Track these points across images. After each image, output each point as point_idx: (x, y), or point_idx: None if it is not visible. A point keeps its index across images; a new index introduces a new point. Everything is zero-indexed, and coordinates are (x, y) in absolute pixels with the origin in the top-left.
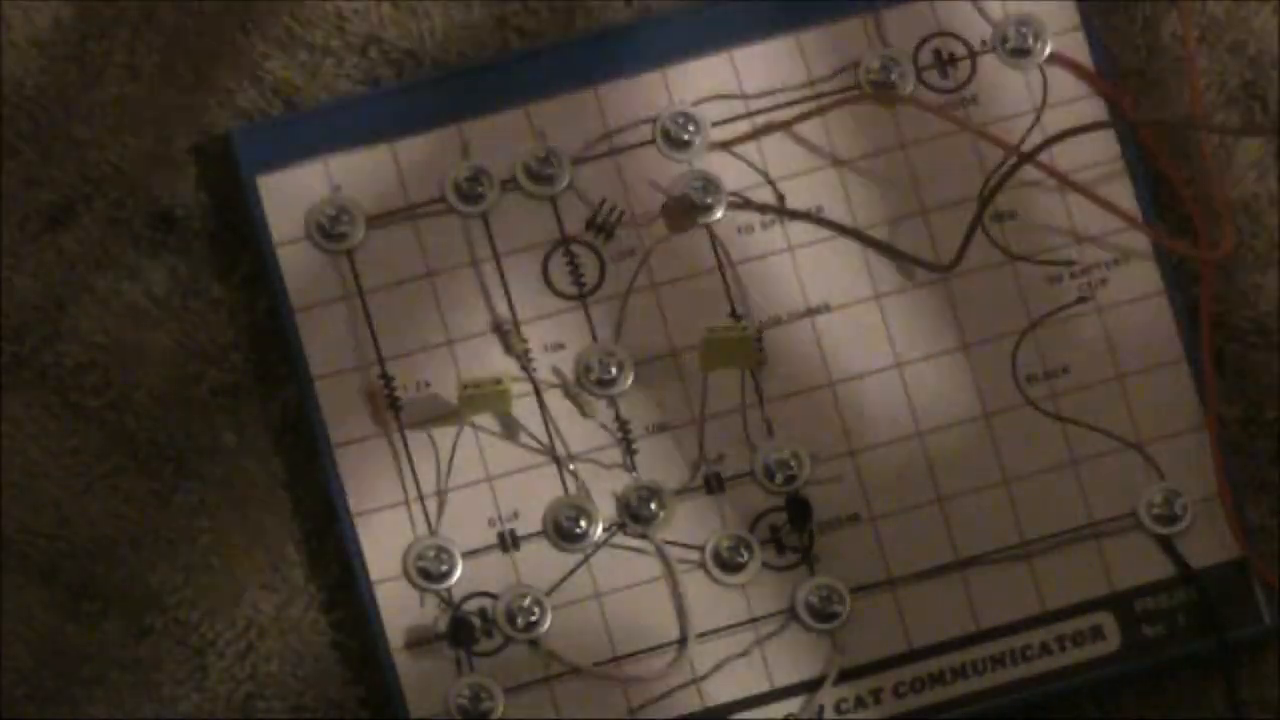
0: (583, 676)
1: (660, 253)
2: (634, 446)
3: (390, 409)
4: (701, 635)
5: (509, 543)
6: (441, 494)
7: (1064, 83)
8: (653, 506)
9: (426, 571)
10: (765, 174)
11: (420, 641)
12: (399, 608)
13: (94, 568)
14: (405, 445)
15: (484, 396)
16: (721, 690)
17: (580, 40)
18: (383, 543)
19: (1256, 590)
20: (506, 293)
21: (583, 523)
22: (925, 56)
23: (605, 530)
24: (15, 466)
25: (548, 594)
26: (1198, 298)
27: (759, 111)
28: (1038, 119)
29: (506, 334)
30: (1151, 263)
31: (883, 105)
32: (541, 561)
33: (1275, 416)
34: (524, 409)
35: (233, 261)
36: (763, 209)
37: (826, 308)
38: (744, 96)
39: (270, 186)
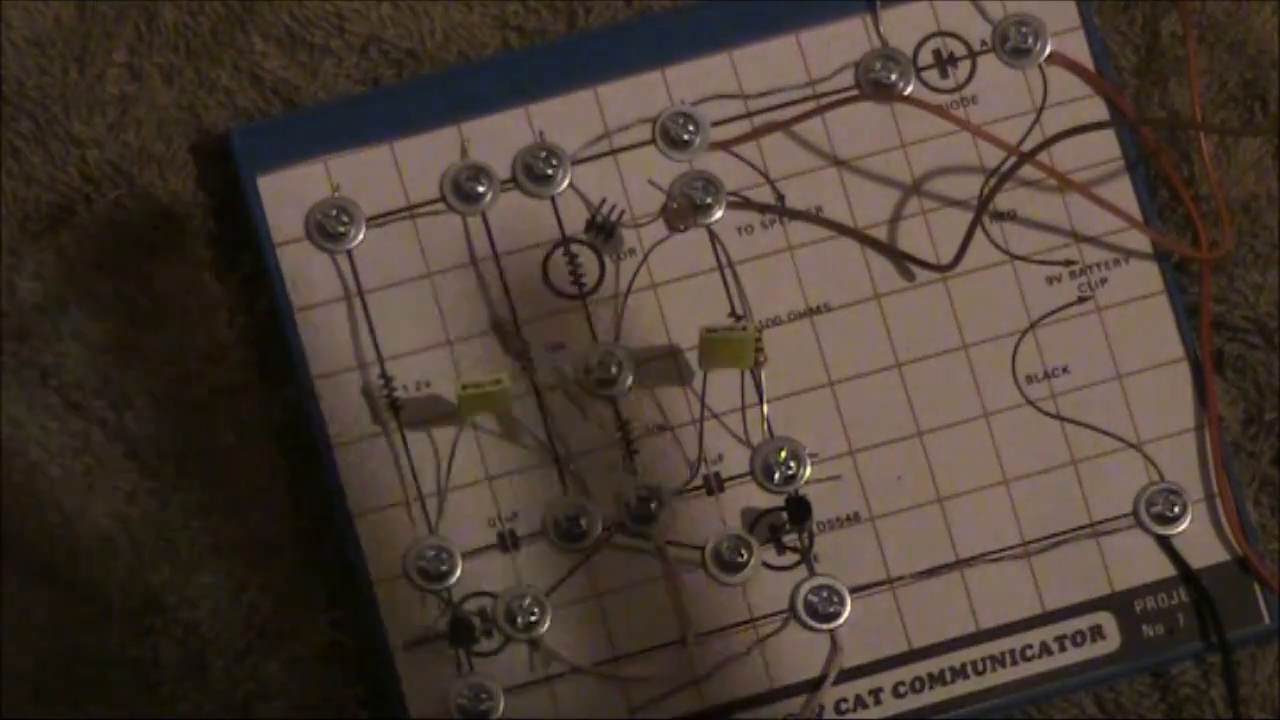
0: (583, 676)
1: (660, 253)
2: (634, 446)
3: (390, 409)
4: (701, 635)
5: (509, 543)
6: (441, 494)
7: (1064, 83)
8: (653, 506)
9: (426, 571)
10: (765, 174)
11: (420, 641)
12: (399, 608)
13: (94, 568)
14: (405, 445)
15: (484, 396)
16: (721, 690)
17: (580, 40)
18: (383, 543)
19: (1256, 590)
20: (506, 293)
21: (583, 523)
22: (925, 56)
23: (605, 530)
24: (15, 466)
25: (548, 594)
26: (1198, 298)
27: (759, 111)
28: (1038, 119)
29: (506, 334)
30: (1151, 263)
31: (882, 105)
32: (541, 561)
33: (1275, 416)
34: (524, 409)
35: (233, 261)
36: (763, 209)
37: (826, 308)
38: (744, 96)
39: (270, 186)
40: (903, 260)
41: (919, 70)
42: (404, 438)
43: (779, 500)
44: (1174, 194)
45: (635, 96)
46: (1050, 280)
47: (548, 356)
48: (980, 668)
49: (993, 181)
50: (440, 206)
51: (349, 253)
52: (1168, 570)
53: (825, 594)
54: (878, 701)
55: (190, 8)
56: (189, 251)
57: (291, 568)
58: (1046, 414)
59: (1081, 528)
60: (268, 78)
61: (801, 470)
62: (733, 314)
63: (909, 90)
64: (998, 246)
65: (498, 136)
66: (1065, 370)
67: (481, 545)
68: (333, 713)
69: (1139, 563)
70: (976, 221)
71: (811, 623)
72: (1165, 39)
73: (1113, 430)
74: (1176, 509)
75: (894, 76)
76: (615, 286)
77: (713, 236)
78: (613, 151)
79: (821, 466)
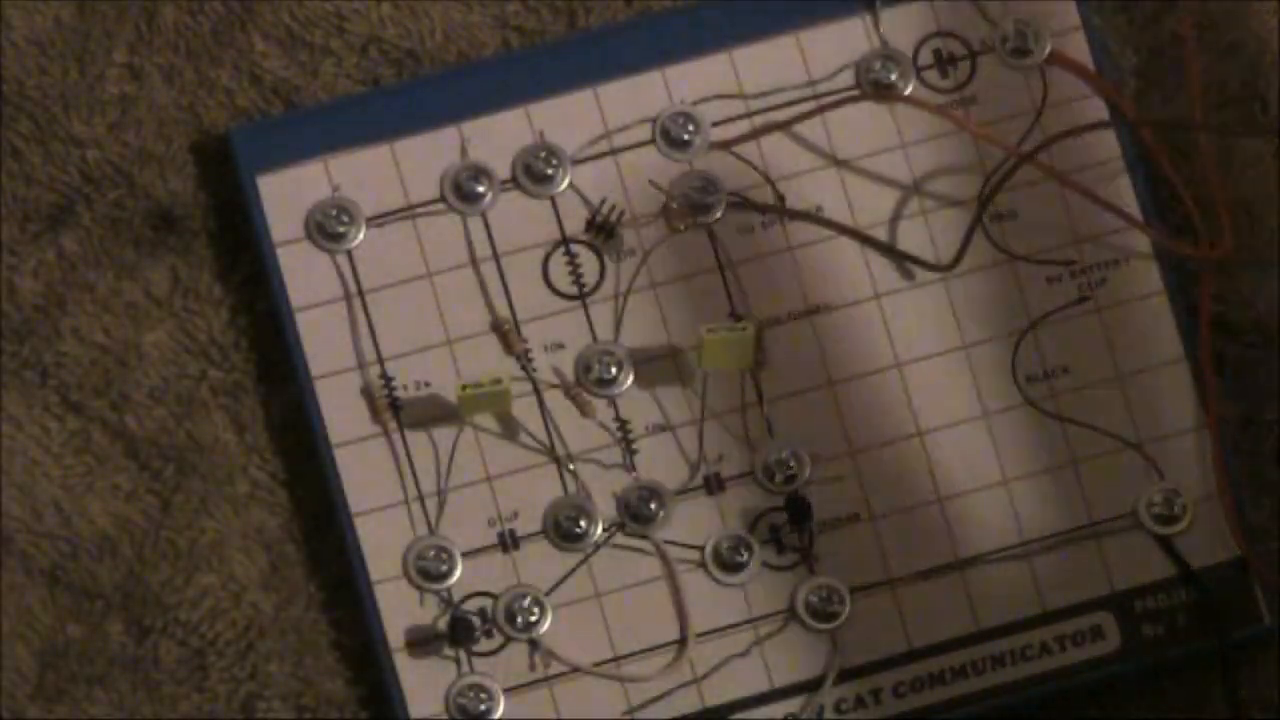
0: (583, 676)
1: (660, 253)
2: (634, 446)
3: (390, 409)
4: (701, 635)
5: (509, 543)
6: (441, 494)
7: (1064, 83)
8: (653, 506)
9: (426, 571)
10: (765, 174)
11: (420, 641)
12: (399, 608)
13: (94, 568)
14: (405, 445)
15: (484, 396)
16: (721, 690)
17: (580, 40)
18: (383, 543)
19: (1256, 590)
20: (506, 293)
21: (583, 523)
22: (925, 56)
23: (605, 530)
24: (15, 466)
25: (548, 594)
26: (1198, 298)
27: (759, 111)
28: (1038, 119)
29: (506, 334)
30: (1151, 263)
31: (882, 105)
32: (541, 561)
33: (1275, 417)
34: (524, 409)
35: (233, 261)
36: (763, 209)
37: (826, 308)
38: (744, 96)
39: (270, 186)
40: (903, 260)
41: (919, 70)
42: (404, 438)
43: (779, 500)
44: (1174, 194)
45: (635, 96)
46: (1050, 280)
47: (548, 356)
48: (980, 668)
49: (993, 181)
50: (440, 206)
51: (349, 253)
52: (1168, 570)
53: (825, 594)
54: (878, 701)
55: (190, 8)
56: (189, 251)
57: (291, 568)
58: (1046, 414)
59: (1081, 528)
60: (268, 78)
61: (801, 470)
62: (733, 314)
63: (909, 90)
64: (998, 246)
65: (498, 136)
66: (1065, 370)
67: (481, 545)
68: (333, 713)
69: (1139, 563)
70: (976, 221)
71: (811, 623)
72: (1165, 39)
73: (1113, 430)
74: (1176, 509)
75: (894, 76)
76: (615, 286)
77: (713, 236)
78: (613, 151)
79: (821, 466)
